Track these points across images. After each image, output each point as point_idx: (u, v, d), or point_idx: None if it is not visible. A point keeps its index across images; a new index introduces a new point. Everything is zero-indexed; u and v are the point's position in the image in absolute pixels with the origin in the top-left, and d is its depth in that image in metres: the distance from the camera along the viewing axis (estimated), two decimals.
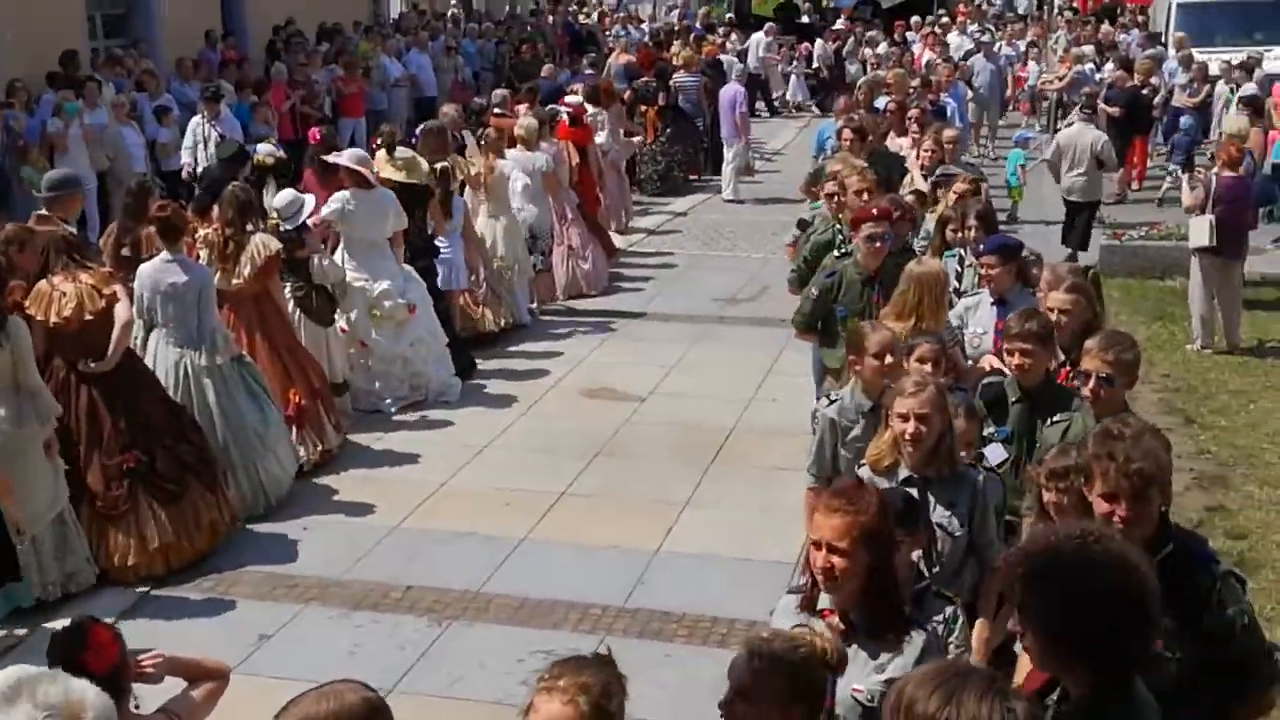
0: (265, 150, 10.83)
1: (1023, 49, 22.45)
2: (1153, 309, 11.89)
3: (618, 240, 14.47)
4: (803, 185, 11.46)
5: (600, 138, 14.72)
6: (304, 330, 8.88)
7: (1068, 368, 5.78)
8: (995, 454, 5.29)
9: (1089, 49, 21.20)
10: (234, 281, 8.09)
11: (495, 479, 8.26)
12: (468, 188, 11.37)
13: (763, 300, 12.52)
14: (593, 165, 13.95)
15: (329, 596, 6.71)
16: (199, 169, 13.55)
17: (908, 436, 4.52)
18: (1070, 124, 14.30)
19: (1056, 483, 4.20)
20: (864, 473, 4.76)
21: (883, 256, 6.76)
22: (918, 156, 10.30)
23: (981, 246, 6.93)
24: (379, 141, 10.84)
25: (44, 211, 7.80)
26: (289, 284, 8.80)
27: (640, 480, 8.22)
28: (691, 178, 18.59)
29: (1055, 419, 5.03)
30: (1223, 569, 3.58)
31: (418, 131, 11.45)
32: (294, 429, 8.17)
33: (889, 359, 5.37)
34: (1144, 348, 10.32)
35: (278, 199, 8.93)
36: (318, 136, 10.91)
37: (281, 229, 8.67)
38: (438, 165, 10.46)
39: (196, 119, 14.53)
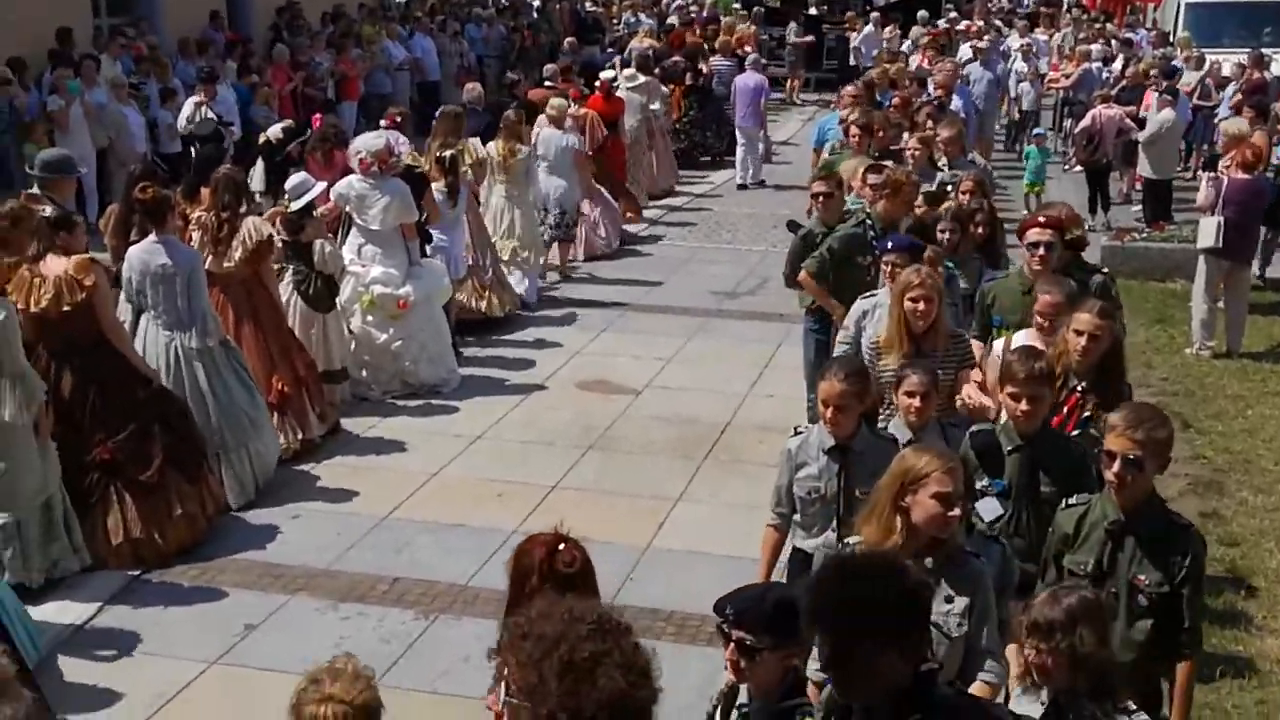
0: (273, 131, 10.90)
1: (1046, 46, 21.76)
2: (1153, 311, 11.83)
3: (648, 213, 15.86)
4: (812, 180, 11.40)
5: (655, 105, 16.46)
6: (298, 316, 8.82)
7: (1076, 394, 5.40)
8: (989, 509, 4.78)
9: (1097, 47, 21.06)
10: (225, 265, 8.04)
11: (487, 470, 8.22)
12: (487, 171, 11.60)
13: (761, 294, 12.48)
14: (624, 135, 15.32)
15: (316, 587, 6.67)
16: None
17: (959, 519, 4.05)
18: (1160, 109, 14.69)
19: (1038, 641, 3.53)
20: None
21: (1049, 266, 6.35)
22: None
23: (889, 244, 6.70)
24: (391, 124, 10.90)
25: (35, 191, 7.75)
26: (290, 268, 8.78)
27: (633, 475, 8.18)
28: (715, 159, 19.27)
29: (1071, 501, 4.45)
30: None
31: (437, 115, 11.58)
32: (275, 415, 8.11)
33: (829, 412, 4.92)
34: (1143, 350, 10.39)
35: (290, 180, 8.95)
36: (320, 121, 10.93)
37: (288, 208, 8.71)
38: (446, 153, 10.55)
39: (193, 99, 14.48)
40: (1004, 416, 5.16)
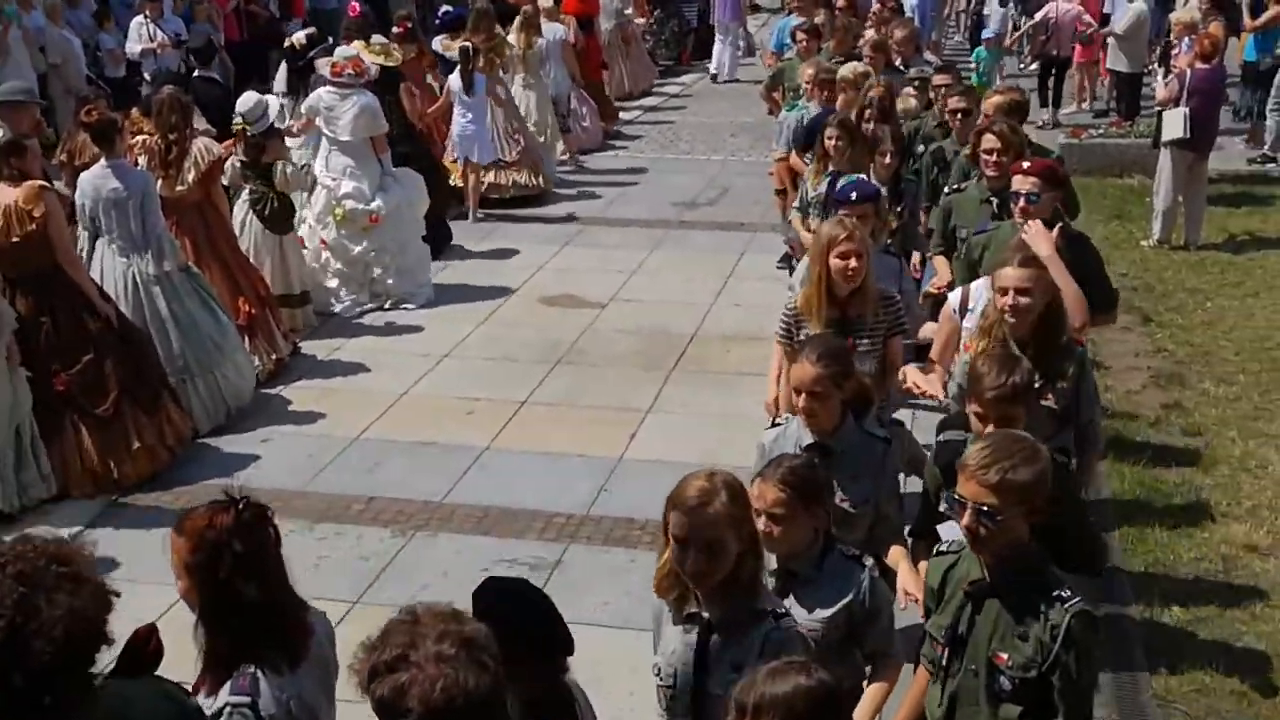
0: (296, 36, 11.24)
1: None
2: (1111, 207, 11.90)
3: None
4: (763, 90, 11.53)
5: (629, 9, 17.29)
6: (259, 238, 8.78)
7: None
8: (951, 532, 3.93)
9: None
10: (177, 188, 7.90)
11: (456, 388, 8.20)
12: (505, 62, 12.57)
13: (722, 204, 12.44)
14: (599, 35, 15.96)
15: (291, 509, 6.63)
16: (150, 70, 13.48)
17: (688, 571, 3.18)
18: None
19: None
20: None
21: (1034, 218, 5.38)
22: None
23: (853, 192, 5.97)
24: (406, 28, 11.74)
25: None
26: (247, 188, 8.73)
27: (602, 388, 8.19)
28: (676, 61, 19.99)
29: (943, 548, 3.63)
30: None
31: (470, 11, 12.60)
32: (247, 339, 8.05)
33: (802, 400, 4.19)
34: (1101, 246, 10.44)
35: (241, 101, 8.83)
36: (357, 10, 11.55)
37: (248, 134, 8.61)
38: (464, 45, 11.48)
39: (138, 19, 14.12)
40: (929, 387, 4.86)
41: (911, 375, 5.07)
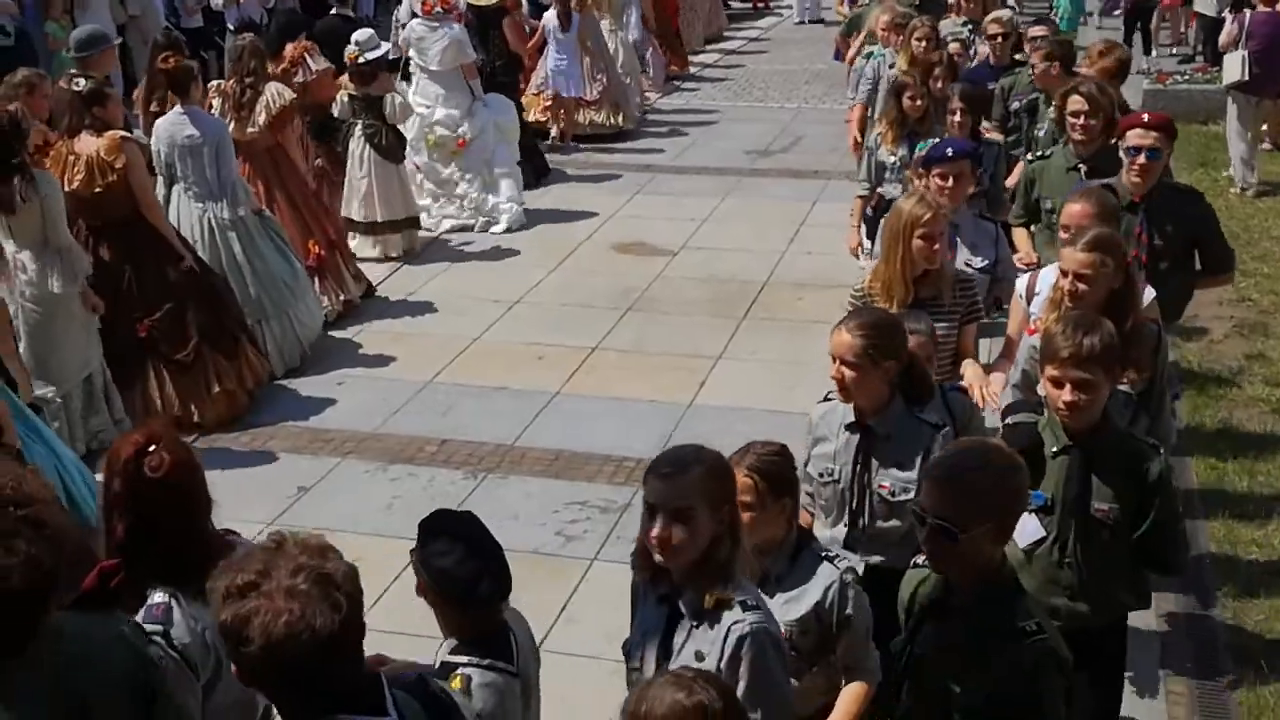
0: None
1: None
2: (1196, 154, 11.62)
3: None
4: (839, 36, 11.42)
5: None
6: (375, 167, 9.25)
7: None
8: (1028, 530, 3.70)
9: None
10: (249, 130, 8.02)
11: (527, 334, 8.25)
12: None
13: (795, 152, 12.34)
14: None
15: (365, 450, 6.77)
16: (233, 21, 13.71)
17: (654, 539, 2.98)
18: None
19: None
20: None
21: (1151, 178, 5.15)
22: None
23: (949, 149, 5.53)
24: None
25: (74, 72, 7.69)
26: (360, 121, 9.11)
27: (673, 334, 8.19)
28: (753, 8, 20.45)
29: (919, 561, 3.19)
30: None
31: None
32: (316, 281, 8.18)
33: (834, 370, 3.93)
34: None
35: (359, 32, 9.29)
36: None
37: (361, 59, 9.06)
38: None
39: None
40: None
41: (970, 373, 4.64)
